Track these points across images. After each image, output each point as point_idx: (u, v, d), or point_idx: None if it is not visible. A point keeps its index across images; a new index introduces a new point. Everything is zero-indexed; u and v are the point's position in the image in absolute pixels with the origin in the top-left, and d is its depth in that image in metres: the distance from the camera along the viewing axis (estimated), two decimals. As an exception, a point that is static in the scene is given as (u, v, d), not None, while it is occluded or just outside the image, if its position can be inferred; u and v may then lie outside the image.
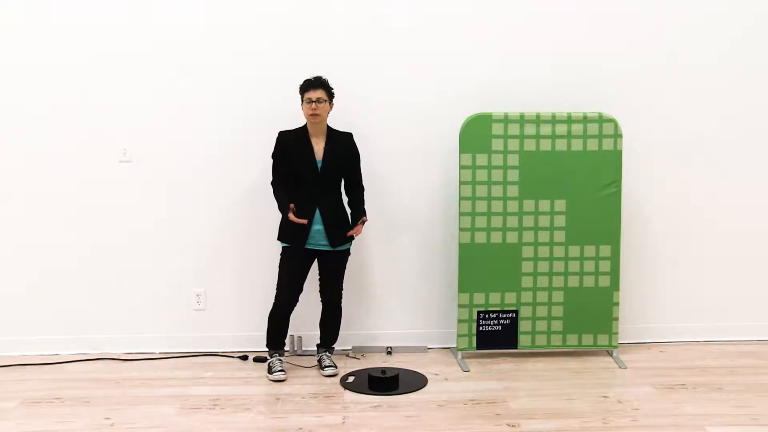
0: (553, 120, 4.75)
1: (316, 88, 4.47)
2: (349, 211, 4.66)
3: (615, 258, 4.84)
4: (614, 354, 4.91)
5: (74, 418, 4.04)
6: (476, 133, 4.73)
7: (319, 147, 4.54)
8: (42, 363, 4.85)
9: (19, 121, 4.89)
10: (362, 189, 4.68)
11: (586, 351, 4.94)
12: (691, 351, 5.05)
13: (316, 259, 4.65)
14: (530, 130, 4.75)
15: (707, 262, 5.20)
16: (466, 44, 4.96)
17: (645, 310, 5.20)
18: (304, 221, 4.42)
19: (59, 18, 4.83)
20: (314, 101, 4.45)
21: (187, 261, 5.03)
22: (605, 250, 4.83)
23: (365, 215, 4.56)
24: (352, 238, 4.62)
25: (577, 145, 4.77)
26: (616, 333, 4.90)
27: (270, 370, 4.59)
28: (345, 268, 4.69)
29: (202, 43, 4.89)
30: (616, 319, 4.89)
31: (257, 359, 4.89)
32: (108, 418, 4.04)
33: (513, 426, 3.92)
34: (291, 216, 4.38)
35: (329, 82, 4.52)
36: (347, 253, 4.67)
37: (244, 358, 4.94)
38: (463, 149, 4.75)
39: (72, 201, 4.94)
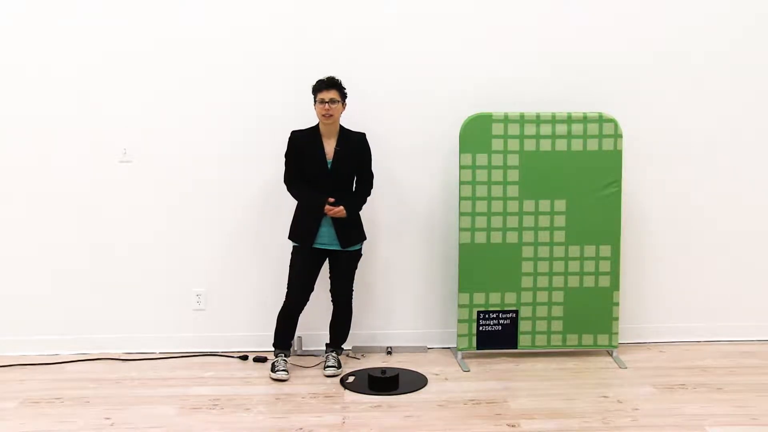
0: (553, 120, 4.75)
1: (330, 88, 4.46)
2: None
3: (615, 258, 4.84)
4: (614, 354, 4.91)
5: (74, 418, 4.04)
6: (476, 133, 4.73)
7: (330, 147, 4.54)
8: (42, 363, 4.85)
9: (20, 121, 4.89)
10: (369, 187, 4.67)
11: (586, 351, 4.94)
12: (691, 351, 5.05)
13: (327, 259, 4.66)
14: (530, 130, 4.75)
15: (707, 262, 5.19)
16: (466, 44, 4.96)
17: (645, 310, 5.19)
18: (340, 208, 4.44)
19: (63, 18, 4.82)
20: (327, 102, 4.44)
21: (187, 261, 5.03)
22: (605, 250, 4.83)
23: (349, 209, 4.49)
24: (362, 238, 4.65)
25: (577, 145, 4.77)
26: (616, 333, 4.90)
27: (273, 369, 4.59)
28: (356, 268, 4.70)
29: (202, 43, 4.89)
30: (616, 319, 4.89)
31: (257, 359, 4.89)
32: (108, 418, 4.04)
33: (513, 426, 3.92)
34: (327, 208, 4.43)
35: (342, 82, 4.52)
36: (358, 253, 4.68)
37: (244, 358, 4.94)
38: (463, 149, 4.75)
39: (72, 201, 4.94)
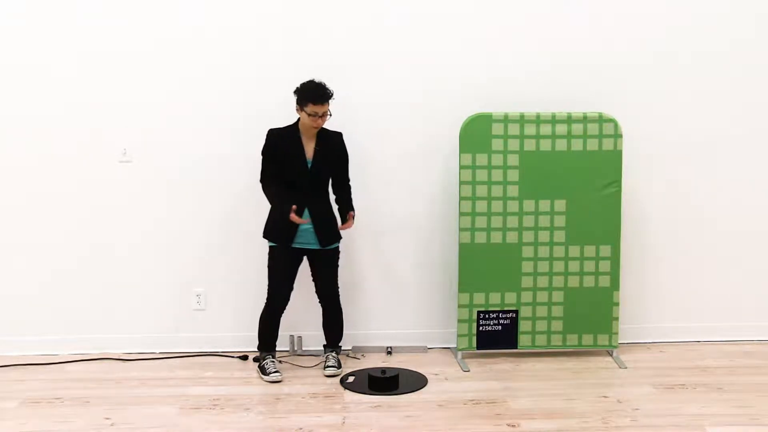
0: (553, 120, 4.76)
1: (324, 102, 4.40)
2: (336, 207, 4.66)
3: (615, 258, 4.84)
4: (614, 354, 4.91)
5: (74, 418, 4.04)
6: (476, 133, 4.73)
7: (309, 147, 4.52)
8: (42, 363, 4.85)
9: (20, 121, 4.89)
10: (349, 187, 4.69)
11: (586, 351, 4.94)
12: (691, 351, 5.05)
13: (305, 259, 4.64)
14: (530, 130, 4.75)
15: (707, 262, 5.19)
16: (466, 44, 4.96)
17: (645, 310, 5.19)
18: (306, 221, 4.43)
19: (60, 18, 4.82)
20: (320, 116, 4.41)
21: (187, 261, 5.03)
22: (605, 250, 4.83)
23: (353, 210, 4.59)
24: (340, 237, 4.64)
25: (577, 145, 4.77)
26: (616, 333, 4.90)
27: (265, 372, 4.57)
28: (338, 266, 4.69)
29: (202, 43, 4.89)
30: (616, 319, 4.89)
31: (257, 359, 4.88)
32: (108, 418, 4.04)
33: (513, 426, 3.92)
34: (293, 216, 4.38)
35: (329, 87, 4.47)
36: (337, 251, 4.67)
37: (244, 358, 4.94)
38: (463, 149, 4.75)
39: (72, 201, 4.94)
